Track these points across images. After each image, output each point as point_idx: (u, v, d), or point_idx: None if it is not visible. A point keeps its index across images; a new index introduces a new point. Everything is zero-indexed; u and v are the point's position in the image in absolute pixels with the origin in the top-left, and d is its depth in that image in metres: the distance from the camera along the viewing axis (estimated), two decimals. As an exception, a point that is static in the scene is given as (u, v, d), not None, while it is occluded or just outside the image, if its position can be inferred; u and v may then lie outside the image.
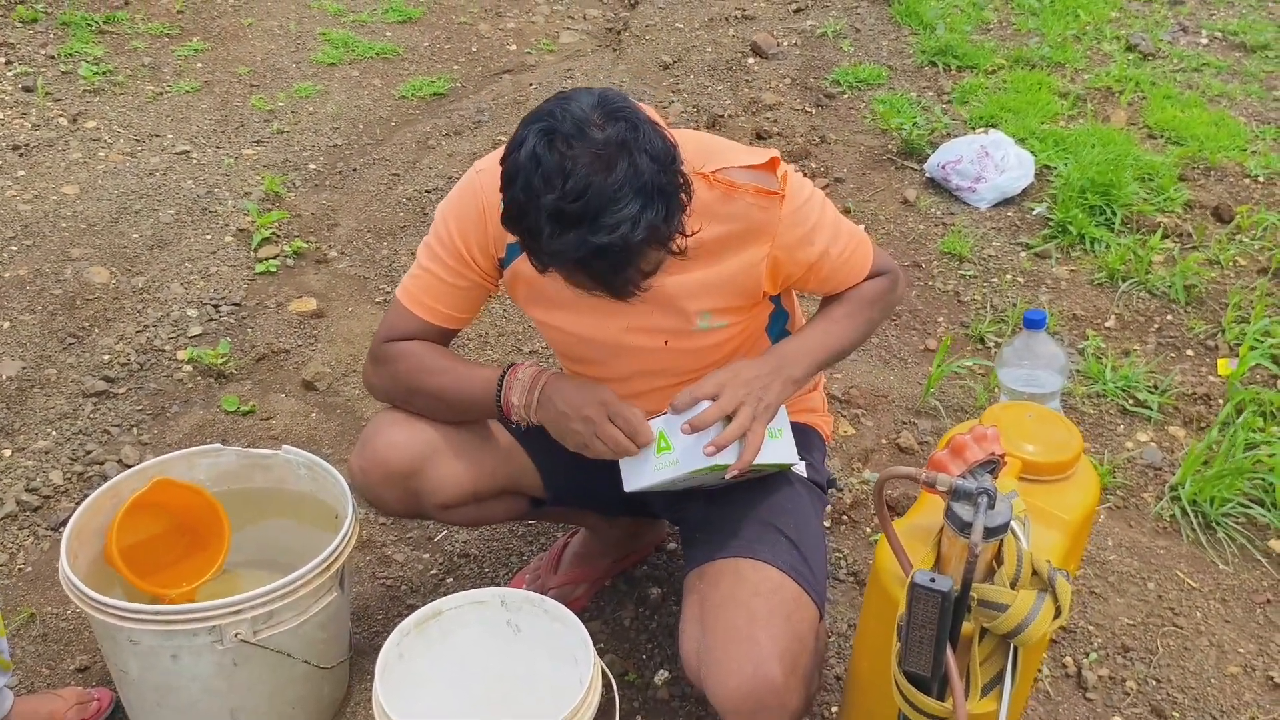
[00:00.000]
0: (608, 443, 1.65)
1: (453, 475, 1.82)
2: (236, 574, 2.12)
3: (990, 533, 1.37)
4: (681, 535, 2.01)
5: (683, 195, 1.47)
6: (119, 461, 2.59)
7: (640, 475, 1.67)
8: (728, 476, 1.61)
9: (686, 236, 1.51)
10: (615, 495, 1.70)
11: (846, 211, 3.77)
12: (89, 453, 2.63)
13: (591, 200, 1.38)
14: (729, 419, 1.61)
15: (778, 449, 1.69)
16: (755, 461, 1.62)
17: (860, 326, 1.81)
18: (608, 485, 1.69)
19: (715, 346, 1.78)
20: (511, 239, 1.69)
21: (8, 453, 2.62)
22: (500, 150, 1.53)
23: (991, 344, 3.10)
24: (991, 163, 3.78)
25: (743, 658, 1.55)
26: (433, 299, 1.79)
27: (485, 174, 1.71)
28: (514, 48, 5.17)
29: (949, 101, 4.53)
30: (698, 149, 1.65)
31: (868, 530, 2.46)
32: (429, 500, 1.83)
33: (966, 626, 1.42)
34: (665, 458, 1.64)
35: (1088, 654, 2.16)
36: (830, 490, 2.03)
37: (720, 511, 1.75)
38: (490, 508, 1.93)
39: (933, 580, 1.31)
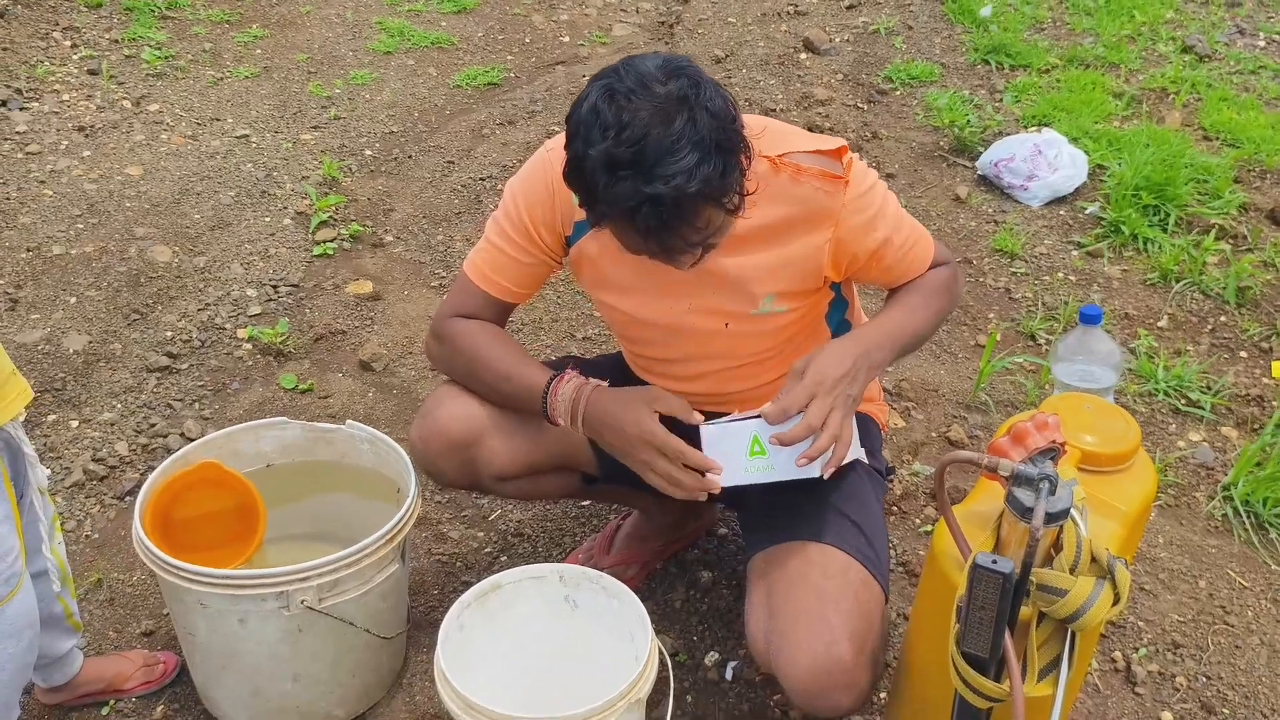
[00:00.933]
0: (665, 479, 1.68)
1: (510, 448, 1.86)
2: (294, 546, 2.17)
3: (1051, 518, 1.39)
4: (741, 521, 2.03)
5: (742, 156, 1.48)
6: (181, 435, 2.65)
7: (733, 473, 1.66)
8: (824, 476, 1.63)
9: (743, 197, 1.52)
10: None
11: (898, 207, 3.77)
12: (153, 425, 2.70)
13: (648, 150, 1.39)
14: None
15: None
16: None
17: (933, 314, 1.79)
18: None
19: (775, 331, 1.80)
20: (579, 216, 1.72)
21: (75, 424, 2.69)
22: None
23: (1043, 341, 3.10)
24: (1044, 161, 3.77)
25: (814, 637, 1.57)
26: (497, 273, 1.83)
27: (555, 152, 1.73)
28: (567, 39, 5.21)
29: (1001, 100, 4.51)
30: (766, 133, 1.67)
31: (917, 521, 2.47)
32: (485, 471, 1.87)
33: (1025, 611, 1.43)
34: (759, 462, 1.64)
35: (1137, 649, 2.16)
36: (888, 478, 2.05)
37: (782, 498, 1.77)
38: (545, 482, 1.96)
39: (995, 562, 1.33)
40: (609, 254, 1.75)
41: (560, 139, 1.76)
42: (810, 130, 4.19)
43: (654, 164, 1.39)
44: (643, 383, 2.01)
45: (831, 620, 1.58)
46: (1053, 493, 1.40)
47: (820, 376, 1.60)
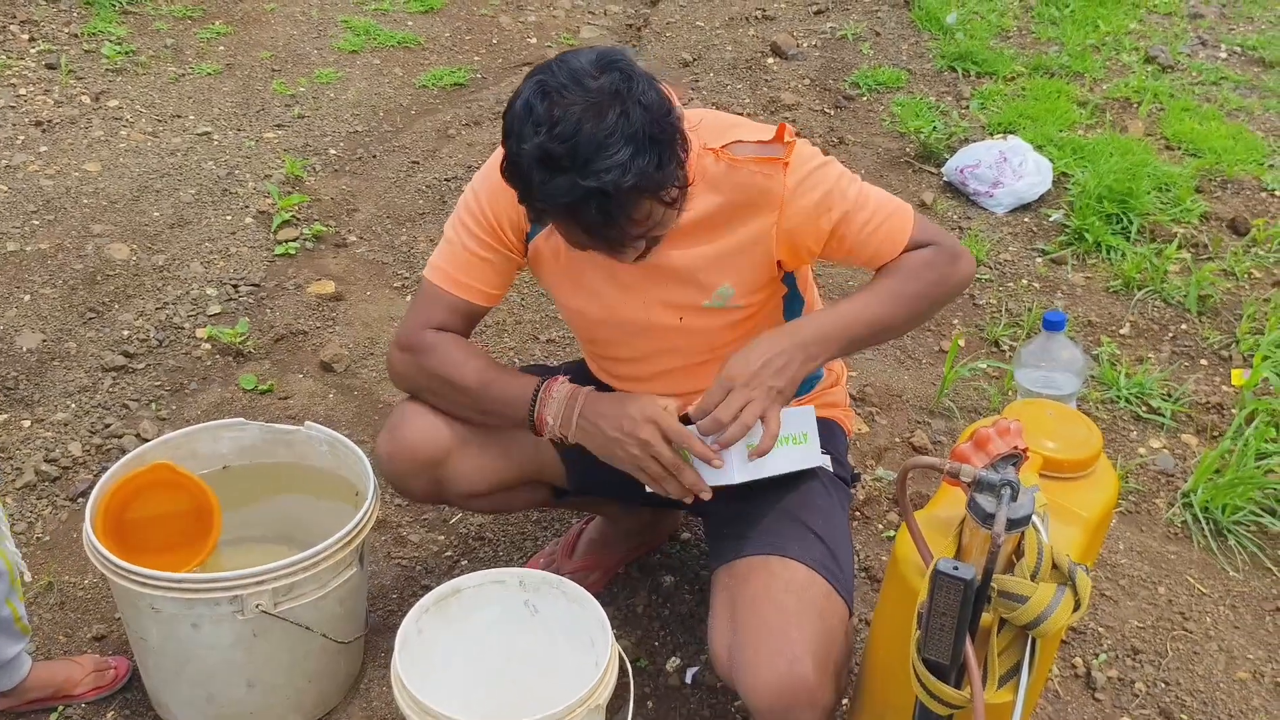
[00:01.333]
0: (666, 464, 1.65)
1: (479, 465, 1.84)
2: (251, 548, 2.13)
3: (1012, 524, 1.38)
4: (706, 529, 2.02)
5: (678, 148, 1.47)
6: (137, 435, 2.61)
7: (707, 476, 1.67)
8: (753, 451, 1.62)
9: (683, 189, 1.51)
10: (637, 486, 1.72)
11: (864, 212, 3.78)
12: (108, 426, 2.65)
13: (581, 145, 1.39)
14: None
15: (804, 455, 1.72)
16: (781, 470, 1.66)
17: (904, 302, 1.70)
18: (630, 477, 1.70)
19: (731, 326, 1.78)
20: None
21: (27, 423, 2.64)
22: None
23: (1006, 347, 3.12)
24: (1009, 168, 3.79)
25: (776, 654, 1.55)
26: (462, 273, 1.78)
27: None
28: (534, 41, 5.19)
29: (967, 107, 4.54)
30: (710, 126, 1.67)
31: (880, 527, 2.47)
32: (454, 489, 1.85)
33: (986, 617, 1.43)
34: (718, 473, 1.66)
35: (1097, 655, 2.17)
36: (853, 485, 2.04)
37: (747, 506, 1.76)
38: (514, 496, 1.94)
39: (956, 568, 1.32)
40: (561, 251, 1.75)
41: None
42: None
43: (588, 160, 1.39)
44: (606, 387, 2.00)
45: (794, 637, 1.57)
46: (1014, 499, 1.39)
47: (735, 370, 1.60)
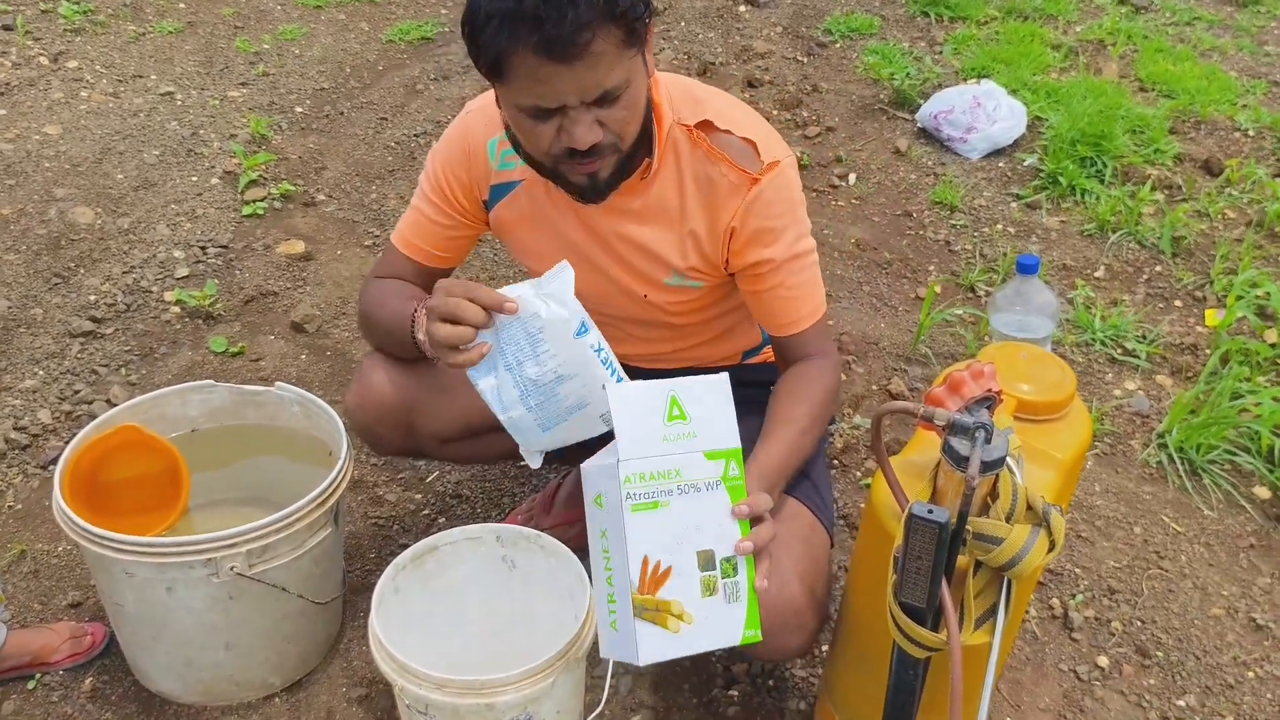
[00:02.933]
0: (447, 312, 1.42)
1: (448, 409, 1.83)
2: (225, 511, 2.11)
3: (987, 467, 1.38)
4: None
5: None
6: (107, 401, 2.58)
7: (649, 442, 1.36)
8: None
9: (635, 32, 1.42)
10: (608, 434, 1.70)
11: (838, 160, 3.76)
12: (77, 392, 2.61)
13: None
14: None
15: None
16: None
17: (817, 427, 1.67)
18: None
19: (690, 302, 1.78)
20: (496, 180, 1.71)
21: (-5, 392, 2.61)
22: (491, 91, 1.51)
23: (982, 292, 3.11)
24: (983, 113, 3.77)
25: (764, 578, 1.56)
26: (419, 238, 1.79)
27: (473, 114, 1.71)
28: (502, -7, 5.10)
29: (941, 52, 4.50)
30: (686, 96, 1.63)
31: (858, 474, 2.47)
32: (425, 433, 1.84)
33: (961, 560, 1.43)
34: (680, 428, 1.39)
35: (1074, 596, 2.18)
36: (831, 429, 2.04)
37: None
38: (486, 443, 1.92)
39: (930, 511, 1.32)
40: (525, 221, 1.74)
41: (481, 99, 1.73)
42: (750, 84, 4.17)
43: None
44: None
45: (783, 562, 1.58)
46: (988, 441, 1.39)
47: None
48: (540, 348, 1.47)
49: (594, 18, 1.34)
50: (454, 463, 2.27)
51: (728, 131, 1.62)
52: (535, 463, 1.60)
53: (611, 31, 1.37)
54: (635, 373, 1.94)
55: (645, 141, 1.58)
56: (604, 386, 1.45)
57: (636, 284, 1.74)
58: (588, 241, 1.71)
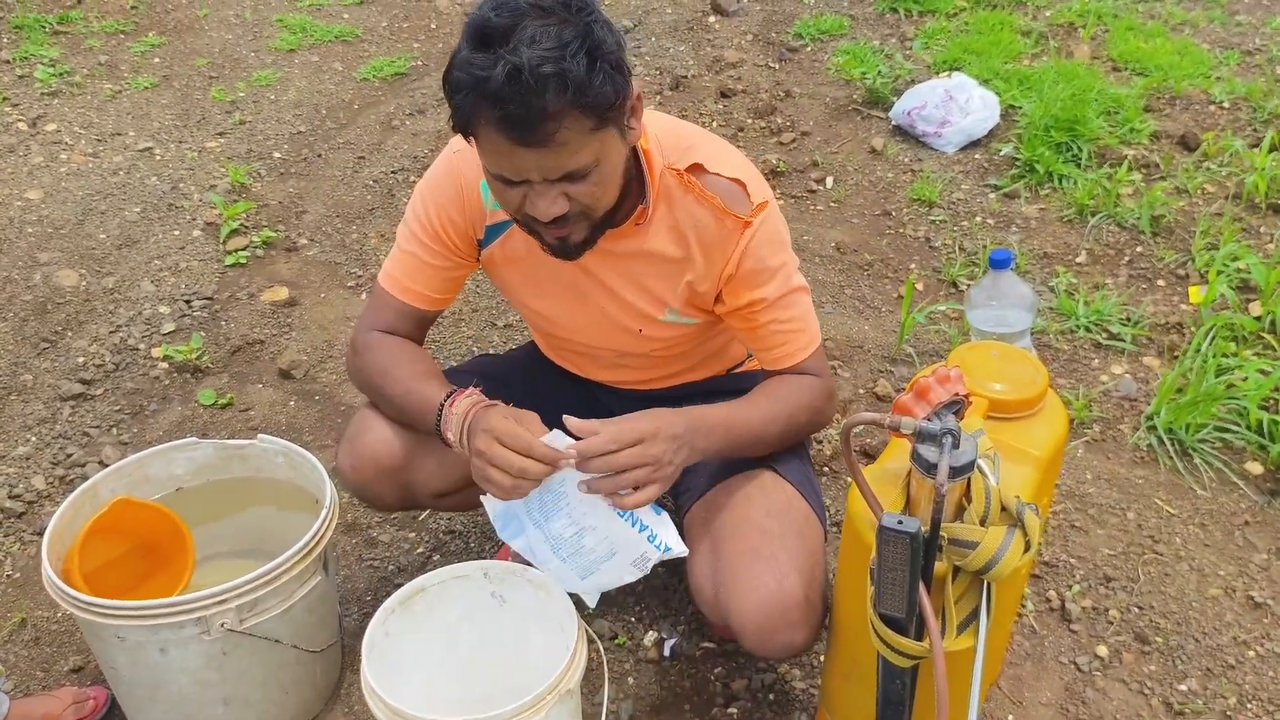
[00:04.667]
0: (502, 465, 1.51)
1: (442, 464, 1.81)
2: (221, 565, 2.13)
3: (956, 472, 1.38)
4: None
5: (616, 75, 1.39)
6: (100, 463, 2.59)
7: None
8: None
9: (622, 129, 1.45)
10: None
11: (814, 165, 3.77)
12: (70, 455, 2.63)
13: (518, 31, 1.32)
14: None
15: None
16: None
17: (783, 425, 1.70)
18: None
19: (685, 336, 1.80)
20: (491, 220, 1.71)
21: (-12, 461, 2.63)
22: None
23: (964, 287, 3.11)
24: (956, 106, 3.78)
25: (764, 574, 1.58)
26: (411, 280, 1.76)
27: (461, 153, 1.69)
28: (473, 22, 5.13)
29: (911, 47, 4.51)
30: (673, 138, 1.64)
31: (847, 480, 2.47)
32: (422, 491, 1.84)
33: (940, 566, 1.43)
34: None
35: (1070, 586, 2.18)
36: (819, 435, 2.06)
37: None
38: (477, 492, 1.93)
39: (900, 522, 1.32)
40: (520, 260, 1.74)
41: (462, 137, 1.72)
42: (723, 94, 4.18)
43: (517, 43, 1.32)
44: (557, 369, 2.00)
45: (780, 557, 1.60)
46: (956, 446, 1.39)
47: (654, 427, 1.52)
48: (562, 503, 1.58)
49: (561, 106, 1.34)
50: (450, 511, 2.28)
51: (716, 174, 1.63)
52: (591, 601, 1.67)
53: (579, 118, 1.37)
54: (626, 397, 1.96)
55: (636, 190, 1.60)
56: (629, 535, 1.57)
57: (632, 321, 1.75)
58: (583, 280, 1.72)
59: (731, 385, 1.92)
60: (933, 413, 1.46)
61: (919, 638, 1.43)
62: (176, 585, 1.98)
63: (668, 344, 1.81)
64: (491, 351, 2.91)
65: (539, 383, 2.00)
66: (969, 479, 1.44)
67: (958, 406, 1.49)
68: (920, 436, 1.42)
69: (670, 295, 1.70)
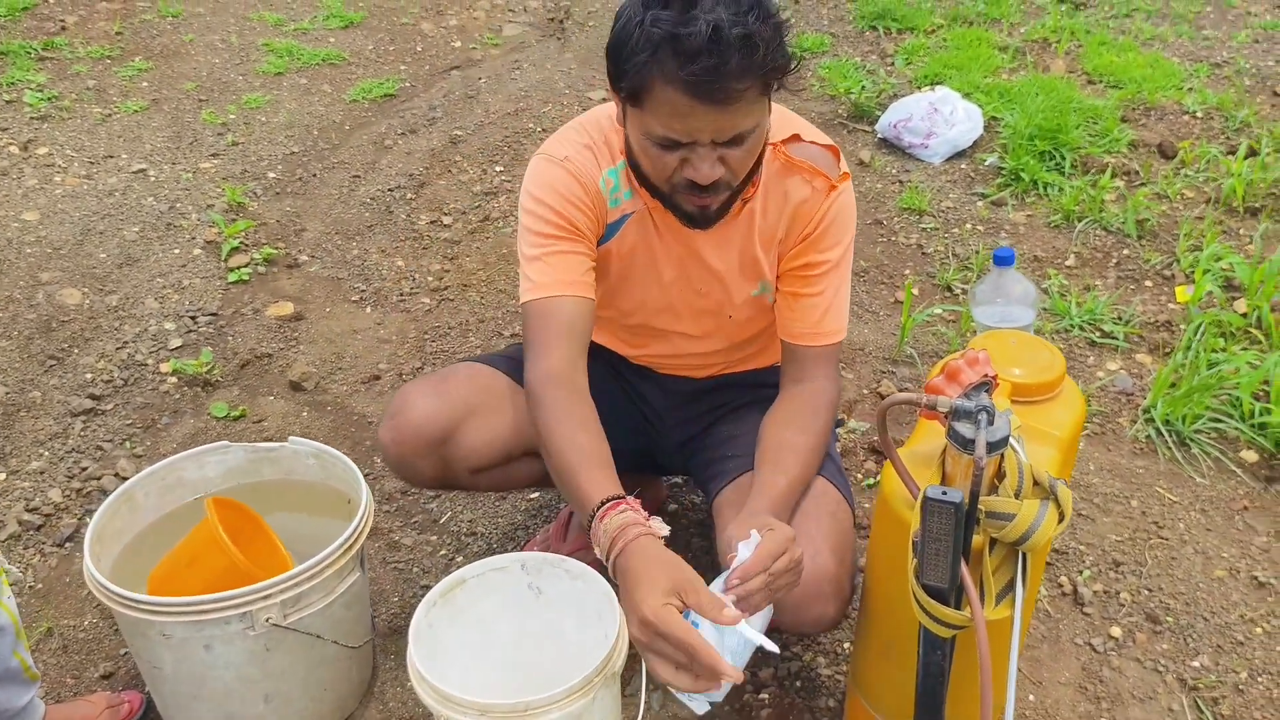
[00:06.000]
0: (673, 657, 1.41)
1: (485, 439, 1.85)
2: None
3: (992, 447, 1.44)
4: (696, 475, 2.04)
5: (785, 41, 1.47)
6: (116, 475, 2.61)
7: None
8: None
9: (780, 84, 1.50)
10: (625, 442, 1.76)
11: (805, 176, 3.84)
12: (85, 469, 2.64)
13: None
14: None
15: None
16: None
17: (818, 458, 1.74)
18: (620, 432, 1.74)
19: (764, 311, 1.87)
20: (611, 217, 1.74)
21: (2, 476, 2.62)
22: (559, 133, 1.58)
23: (959, 290, 3.19)
24: (941, 118, 3.87)
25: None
26: (573, 274, 1.70)
27: (571, 160, 1.71)
28: (458, 44, 5.20)
29: (893, 63, 4.62)
30: (778, 118, 1.69)
31: (859, 476, 2.53)
32: (461, 465, 1.86)
33: (976, 539, 1.49)
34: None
35: (1081, 572, 2.25)
36: (838, 428, 2.12)
37: (736, 429, 1.82)
38: (517, 469, 1.96)
39: (945, 493, 1.38)
40: (629, 254, 1.79)
41: (557, 143, 1.74)
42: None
43: (707, 5, 1.38)
44: (624, 360, 2.03)
45: (812, 533, 1.65)
46: (991, 423, 1.45)
47: (786, 534, 1.52)
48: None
49: (750, 67, 1.40)
50: (484, 491, 2.26)
51: (812, 141, 1.70)
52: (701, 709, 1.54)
53: (756, 79, 1.43)
54: (688, 384, 2.00)
55: (753, 172, 1.66)
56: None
57: (725, 300, 1.82)
58: (687, 264, 1.78)
59: (765, 379, 1.98)
60: (964, 393, 1.53)
61: (959, 608, 1.48)
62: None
63: (746, 324, 1.87)
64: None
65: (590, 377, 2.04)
66: (1002, 455, 1.50)
67: (987, 386, 1.55)
68: (956, 414, 1.48)
69: (767, 267, 1.76)
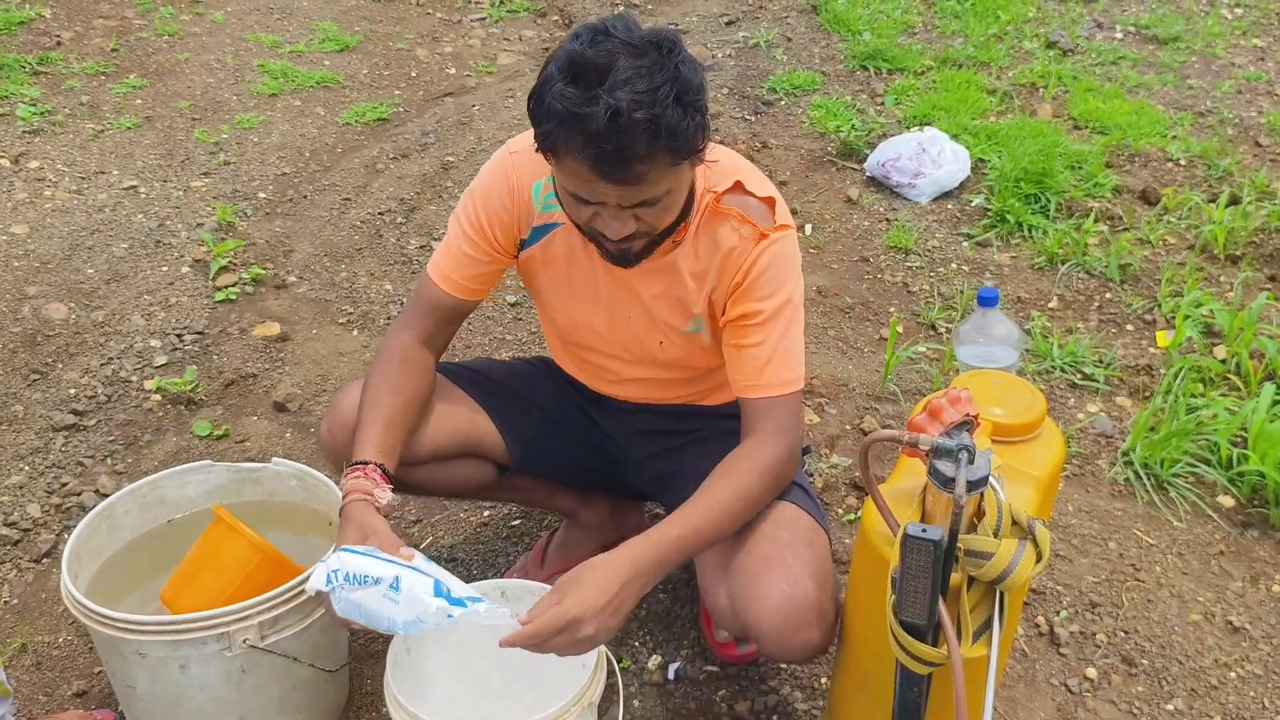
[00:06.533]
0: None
1: (412, 435, 1.86)
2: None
3: (972, 486, 1.45)
4: (673, 504, 2.05)
5: (701, 119, 1.47)
6: (96, 491, 2.60)
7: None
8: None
9: (690, 162, 1.52)
10: (582, 460, 1.77)
11: (793, 212, 3.87)
12: (64, 485, 2.63)
13: (610, 69, 1.40)
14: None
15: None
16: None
17: (746, 508, 1.68)
18: (571, 445, 1.76)
19: (703, 350, 1.87)
20: (539, 221, 1.78)
21: (-19, 490, 2.62)
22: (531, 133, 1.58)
23: (943, 329, 3.22)
24: (929, 158, 3.91)
25: (778, 579, 1.64)
26: (455, 271, 1.84)
27: (518, 155, 1.77)
28: (453, 71, 5.23)
29: (883, 103, 4.67)
30: (722, 168, 1.72)
31: (840, 511, 2.54)
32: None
33: (955, 577, 1.50)
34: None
35: (1058, 612, 2.26)
36: (806, 456, 2.12)
37: (709, 465, 1.83)
38: (454, 470, 1.97)
39: (924, 531, 1.39)
40: (557, 262, 1.82)
41: (519, 139, 1.78)
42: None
43: (613, 83, 1.39)
44: (573, 381, 2.04)
45: (791, 563, 1.67)
46: (971, 462, 1.47)
47: (580, 612, 1.50)
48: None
49: (653, 150, 1.43)
50: (428, 492, 2.21)
51: (751, 193, 1.71)
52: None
53: (663, 157, 1.46)
54: (625, 413, 2.02)
55: (683, 214, 1.68)
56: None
57: (656, 331, 1.84)
58: (616, 288, 1.80)
59: (735, 411, 1.98)
60: (946, 431, 1.54)
61: (936, 645, 1.49)
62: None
63: (682, 360, 1.88)
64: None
65: (536, 393, 2.06)
66: (982, 494, 1.51)
67: (968, 425, 1.57)
68: (938, 452, 1.49)
69: (696, 304, 1.78)
